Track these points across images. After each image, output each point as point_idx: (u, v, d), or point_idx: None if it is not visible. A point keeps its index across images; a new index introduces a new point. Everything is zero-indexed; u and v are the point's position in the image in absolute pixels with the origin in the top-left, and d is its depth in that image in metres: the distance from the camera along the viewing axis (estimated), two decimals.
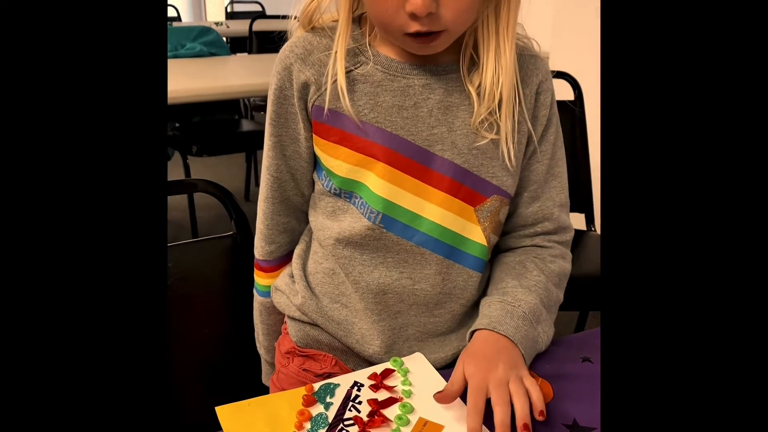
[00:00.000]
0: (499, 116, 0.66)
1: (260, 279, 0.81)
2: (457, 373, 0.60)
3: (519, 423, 0.55)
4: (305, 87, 0.69)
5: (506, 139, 0.66)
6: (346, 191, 0.70)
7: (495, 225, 0.72)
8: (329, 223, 0.72)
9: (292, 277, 0.77)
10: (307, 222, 0.78)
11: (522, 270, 0.71)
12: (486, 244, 0.71)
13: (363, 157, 0.67)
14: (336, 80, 0.66)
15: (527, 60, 0.70)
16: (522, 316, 0.66)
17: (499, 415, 0.55)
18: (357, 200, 0.69)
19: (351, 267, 0.71)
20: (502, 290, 0.69)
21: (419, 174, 0.67)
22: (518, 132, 0.68)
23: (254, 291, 0.83)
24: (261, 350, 0.85)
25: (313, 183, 0.75)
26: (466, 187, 0.68)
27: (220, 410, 0.58)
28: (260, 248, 0.79)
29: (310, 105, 0.69)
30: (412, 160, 0.67)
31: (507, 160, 0.67)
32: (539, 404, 0.56)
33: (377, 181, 0.67)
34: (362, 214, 0.69)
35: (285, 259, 0.80)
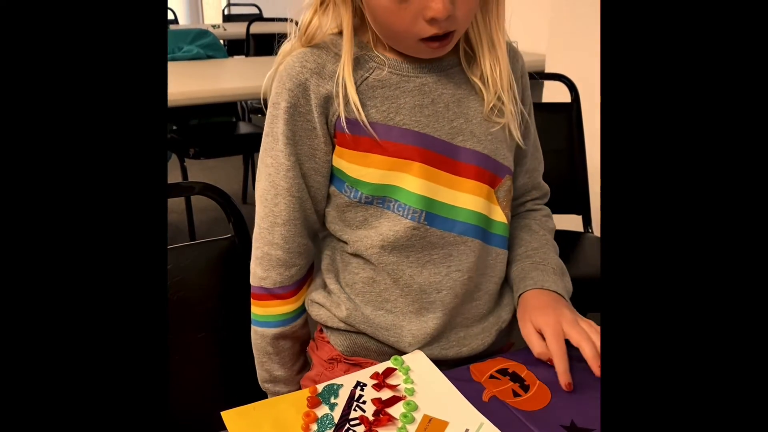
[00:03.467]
0: (504, 102, 0.71)
1: (277, 308, 0.76)
2: (528, 331, 0.68)
3: (594, 362, 0.62)
4: (327, 100, 0.68)
5: (512, 120, 0.72)
6: (379, 197, 0.70)
7: (508, 202, 0.77)
8: (365, 232, 0.72)
9: (326, 288, 0.76)
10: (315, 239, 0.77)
11: (531, 233, 0.80)
12: (506, 222, 0.76)
13: (396, 160, 0.68)
14: (347, 91, 0.67)
15: (510, 48, 0.75)
16: (553, 271, 0.75)
17: (589, 350, 0.63)
18: (392, 204, 0.70)
19: (400, 271, 0.71)
20: (524, 254, 0.78)
21: (450, 167, 0.70)
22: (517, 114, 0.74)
23: (257, 328, 0.77)
24: (269, 385, 0.80)
25: (326, 198, 0.74)
26: (489, 171, 0.72)
27: (225, 415, 0.58)
28: (277, 275, 0.74)
29: (333, 118, 0.69)
30: (442, 155, 0.70)
31: (518, 141, 0.74)
32: (598, 346, 0.63)
33: (415, 181, 0.68)
34: (401, 216, 0.69)
35: (305, 281, 0.78)
